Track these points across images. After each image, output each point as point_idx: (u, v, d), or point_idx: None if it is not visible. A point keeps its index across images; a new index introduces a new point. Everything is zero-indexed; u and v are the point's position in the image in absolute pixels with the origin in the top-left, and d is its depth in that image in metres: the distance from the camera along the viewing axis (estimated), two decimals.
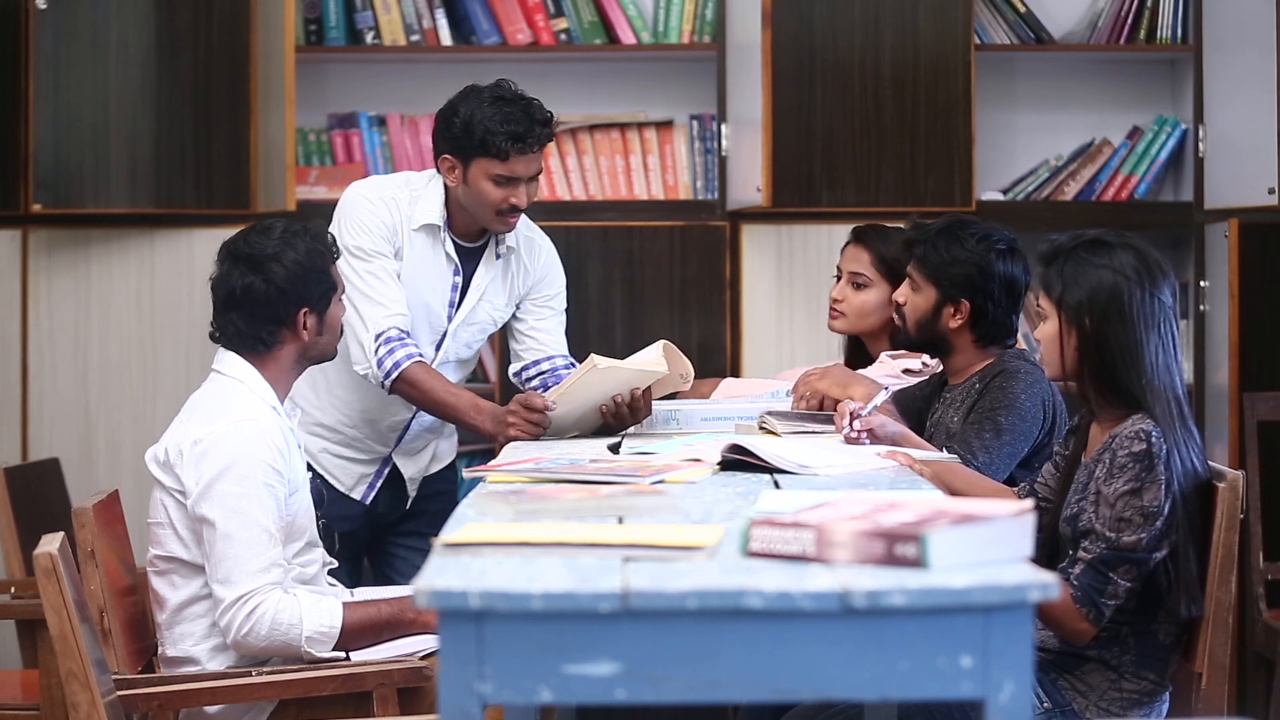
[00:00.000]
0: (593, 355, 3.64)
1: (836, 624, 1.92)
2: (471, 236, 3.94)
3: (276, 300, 3.33)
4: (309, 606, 3.24)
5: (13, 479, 4.31)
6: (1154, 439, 2.92)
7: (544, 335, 4.04)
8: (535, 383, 4.02)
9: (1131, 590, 2.95)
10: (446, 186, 3.89)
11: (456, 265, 3.92)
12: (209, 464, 3.22)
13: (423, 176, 3.97)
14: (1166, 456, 2.92)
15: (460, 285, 3.94)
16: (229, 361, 3.36)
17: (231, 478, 3.21)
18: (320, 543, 3.45)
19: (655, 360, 3.64)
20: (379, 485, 4.04)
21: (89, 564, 3.18)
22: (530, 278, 4.03)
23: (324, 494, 3.81)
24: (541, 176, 3.93)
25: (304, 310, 3.35)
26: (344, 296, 3.66)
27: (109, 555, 3.27)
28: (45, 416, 4.97)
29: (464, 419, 3.80)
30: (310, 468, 3.93)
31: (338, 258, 3.45)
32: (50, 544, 2.78)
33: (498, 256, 3.96)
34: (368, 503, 4.03)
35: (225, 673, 3.20)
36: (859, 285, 4.12)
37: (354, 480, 4.03)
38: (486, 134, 3.75)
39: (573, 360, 4.07)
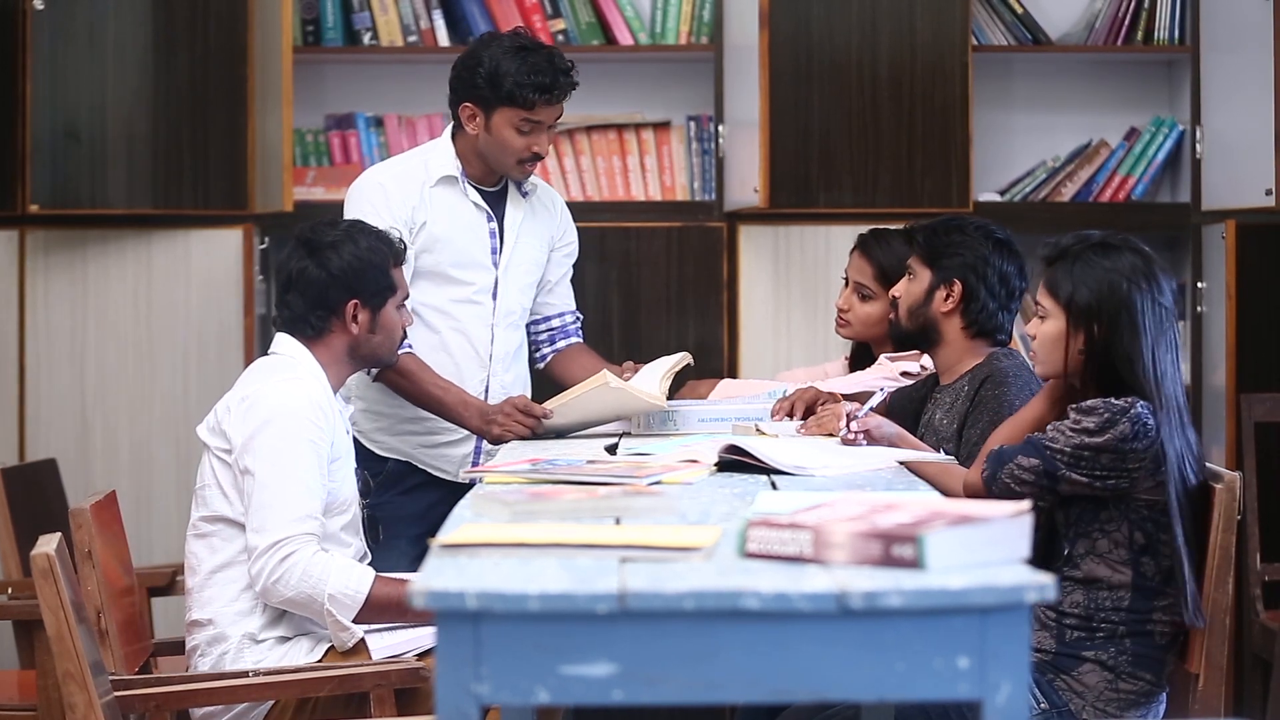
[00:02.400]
0: (605, 372, 3.67)
1: (833, 625, 1.92)
2: (490, 181, 4.00)
3: (327, 286, 3.43)
4: (341, 567, 3.28)
5: (10, 480, 4.31)
6: (1139, 406, 2.96)
7: (559, 289, 4.14)
8: (544, 337, 4.14)
9: (1024, 493, 2.99)
10: (456, 138, 3.96)
11: (488, 212, 3.97)
12: (253, 417, 3.30)
13: (429, 143, 4.09)
14: (1140, 424, 2.94)
15: (497, 231, 3.98)
16: (282, 342, 3.48)
17: (274, 430, 3.28)
18: (362, 533, 3.49)
19: (657, 396, 3.71)
20: (481, 463, 4.01)
21: (86, 565, 3.18)
22: (553, 223, 4.11)
23: (370, 484, 3.83)
24: (540, 171, 3.96)
25: (354, 302, 3.44)
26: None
27: (106, 556, 3.27)
28: (42, 417, 4.96)
29: (450, 412, 3.83)
30: (410, 468, 4.00)
31: (402, 263, 3.54)
32: (47, 545, 2.78)
33: (524, 195, 4.03)
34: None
35: (223, 673, 3.21)
36: (864, 296, 4.13)
37: (457, 464, 4.01)
38: (516, 85, 3.83)
39: (581, 316, 4.17)
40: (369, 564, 3.49)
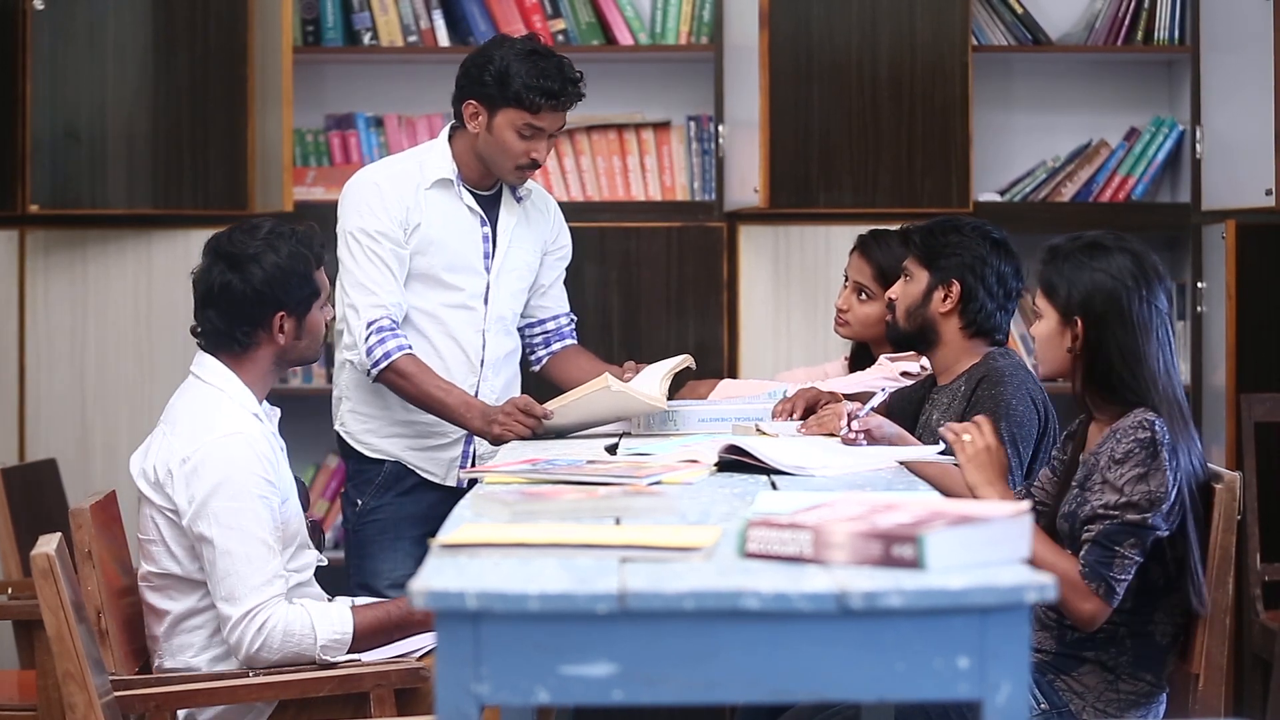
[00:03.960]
0: (607, 375, 3.67)
1: (833, 625, 1.92)
2: (485, 185, 3.99)
3: (252, 301, 3.31)
4: (319, 615, 3.24)
5: (10, 480, 4.31)
6: (1158, 427, 2.94)
7: (553, 291, 4.14)
8: (539, 340, 4.15)
9: (1139, 565, 2.95)
10: (453, 140, 3.95)
11: (482, 216, 3.97)
12: (200, 482, 3.21)
13: (426, 144, 4.07)
14: (1170, 445, 2.93)
15: (490, 236, 3.98)
16: (207, 366, 3.35)
17: (225, 494, 3.20)
18: (310, 543, 3.45)
19: (658, 398, 3.71)
20: (470, 467, 4.00)
21: (86, 565, 3.18)
22: (547, 227, 4.10)
23: (309, 496, 3.81)
24: (539, 174, 3.95)
25: (280, 314, 3.33)
26: (338, 282, 3.71)
27: (106, 556, 3.26)
28: (42, 417, 4.96)
29: (452, 414, 3.82)
30: (406, 469, 3.99)
31: (323, 263, 3.42)
32: (47, 545, 2.78)
33: (518, 200, 4.02)
34: (464, 486, 3.97)
35: (223, 674, 3.21)
36: (863, 296, 4.14)
37: (445, 467, 4.01)
38: (523, 87, 3.80)
39: (575, 318, 4.18)
40: (322, 567, 3.47)
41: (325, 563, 3.52)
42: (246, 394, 3.33)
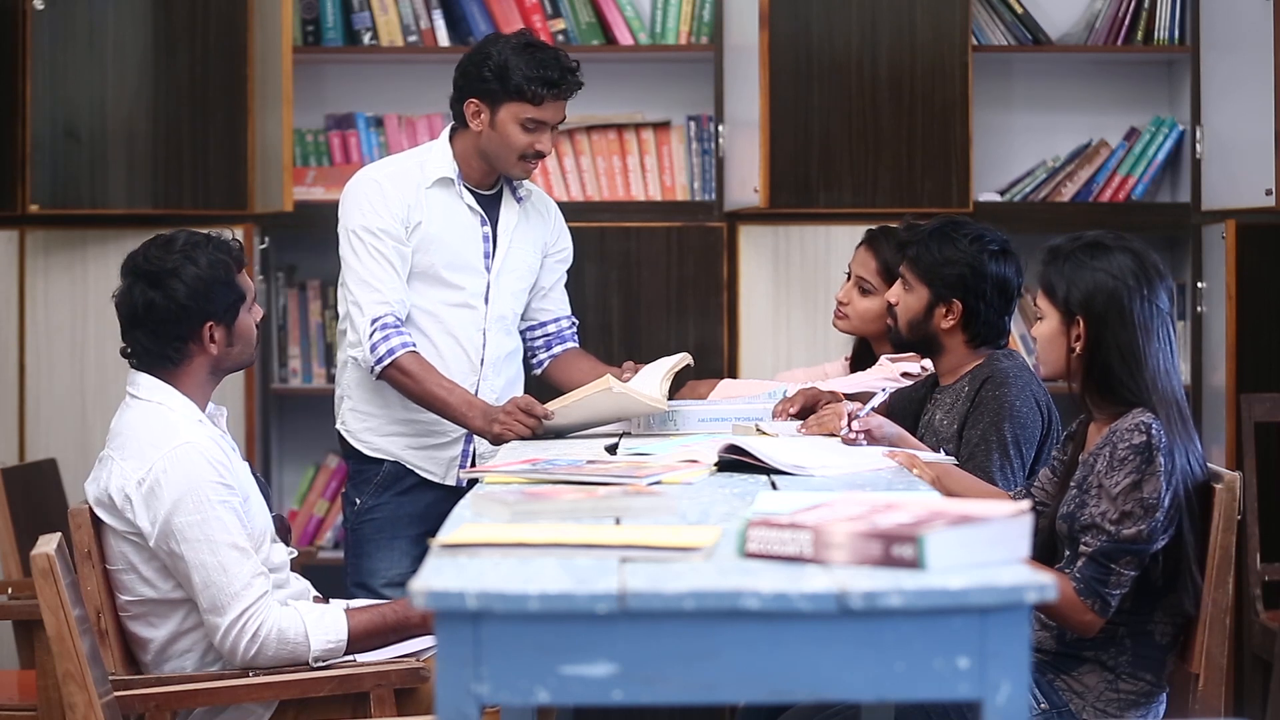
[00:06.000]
0: (608, 376, 3.68)
1: (833, 625, 1.92)
2: (486, 185, 4.00)
3: (179, 317, 3.26)
4: (313, 622, 3.23)
5: (10, 480, 4.31)
6: (1154, 431, 2.93)
7: (554, 294, 4.15)
8: (540, 343, 4.16)
9: (1133, 579, 2.95)
10: (454, 141, 3.97)
11: (482, 216, 3.98)
12: (159, 500, 3.17)
13: (426, 145, 4.08)
14: (1167, 448, 2.93)
15: (490, 235, 3.99)
16: (143, 385, 3.30)
17: (186, 508, 3.16)
18: (278, 538, 3.43)
19: (659, 399, 3.71)
20: (469, 466, 4.00)
21: (86, 564, 3.18)
22: (547, 228, 4.11)
23: (269, 490, 3.80)
24: (539, 175, 3.95)
25: (209, 324, 3.28)
26: (341, 280, 3.68)
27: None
28: (42, 417, 4.96)
29: (454, 413, 3.82)
30: (406, 469, 3.99)
31: (244, 265, 3.38)
32: (47, 545, 2.78)
33: (518, 201, 4.03)
34: (464, 485, 3.97)
35: (223, 674, 3.20)
36: (864, 290, 4.13)
37: (445, 466, 4.01)
38: (524, 79, 3.83)
39: (576, 321, 4.19)
40: (323, 567, 3.44)
41: (295, 554, 3.50)
42: (186, 404, 3.28)
